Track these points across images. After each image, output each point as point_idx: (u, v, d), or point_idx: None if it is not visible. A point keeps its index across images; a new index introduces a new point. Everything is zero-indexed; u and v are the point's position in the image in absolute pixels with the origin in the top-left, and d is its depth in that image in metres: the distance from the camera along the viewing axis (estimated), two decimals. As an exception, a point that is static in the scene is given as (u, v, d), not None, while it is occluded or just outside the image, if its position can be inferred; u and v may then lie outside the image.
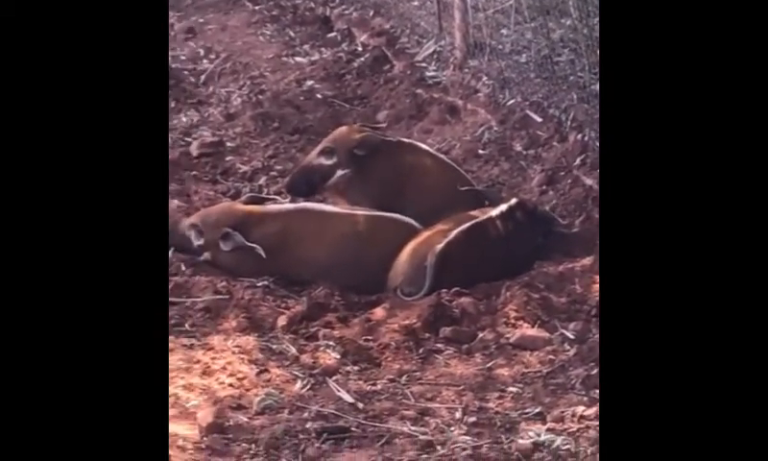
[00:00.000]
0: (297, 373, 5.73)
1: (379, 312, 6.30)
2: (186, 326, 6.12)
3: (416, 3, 10.74)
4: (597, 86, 8.23)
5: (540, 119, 8.13)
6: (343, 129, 7.64)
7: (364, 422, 5.29)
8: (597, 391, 5.44)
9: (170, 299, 6.19)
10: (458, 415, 5.36)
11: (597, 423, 5.19)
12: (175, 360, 5.58)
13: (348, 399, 5.48)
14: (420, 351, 5.95)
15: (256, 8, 11.62)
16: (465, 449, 5.05)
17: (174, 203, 7.31)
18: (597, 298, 6.18)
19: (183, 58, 10.49)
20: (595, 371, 5.62)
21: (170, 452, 4.84)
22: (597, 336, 5.90)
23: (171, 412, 5.05)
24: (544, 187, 7.44)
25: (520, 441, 5.11)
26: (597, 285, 6.28)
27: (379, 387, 5.63)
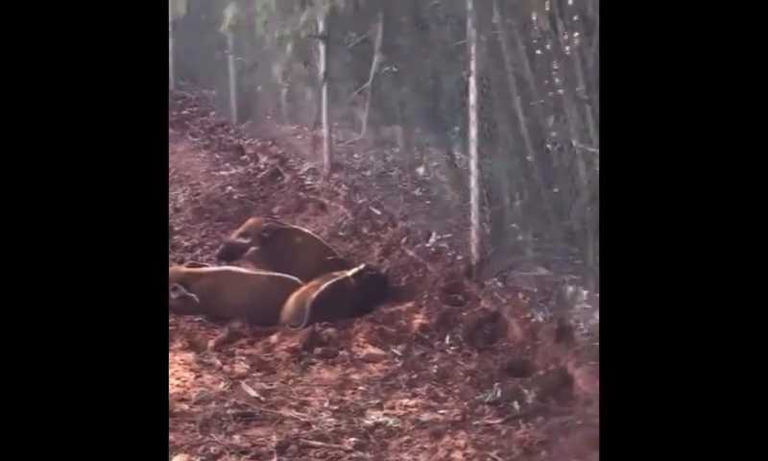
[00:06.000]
0: (220, 377, 5.70)
1: (274, 338, 6.27)
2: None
3: (299, 137, 10.78)
4: (418, 191, 8.33)
5: (379, 213, 8.16)
6: (252, 219, 7.73)
7: (264, 409, 5.27)
8: (418, 388, 5.48)
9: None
10: (326, 404, 5.35)
11: (416, 409, 5.23)
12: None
13: (254, 394, 5.46)
14: (301, 363, 5.92)
15: (195, 140, 11.57)
16: (330, 427, 5.06)
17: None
18: (416, 328, 6.22)
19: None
20: (416, 375, 5.66)
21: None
22: (416, 353, 5.95)
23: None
24: (382, 257, 7.46)
25: (366, 421, 5.12)
26: (416, 320, 6.32)
27: (274, 386, 5.59)
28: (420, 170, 8.72)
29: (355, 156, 9.58)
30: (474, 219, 6.77)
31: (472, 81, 6.60)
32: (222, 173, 10.29)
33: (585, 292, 6.12)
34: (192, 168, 10.41)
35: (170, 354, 5.87)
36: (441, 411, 5.22)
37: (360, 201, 8.49)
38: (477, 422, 5.08)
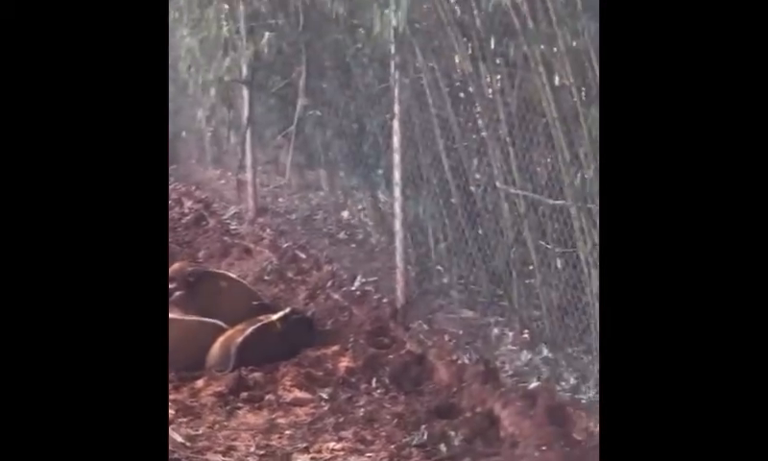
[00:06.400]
0: (145, 424, 5.63)
1: (200, 383, 6.20)
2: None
3: (223, 182, 10.76)
4: (343, 234, 8.34)
5: (304, 256, 8.15)
6: (177, 264, 7.67)
7: (190, 455, 5.21)
8: (344, 432, 5.46)
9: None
10: (252, 449, 5.30)
11: (343, 452, 5.20)
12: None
13: (180, 439, 5.39)
14: (227, 407, 5.86)
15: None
16: (257, 472, 5.04)
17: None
18: (342, 371, 6.20)
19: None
20: (342, 418, 5.64)
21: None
22: (343, 397, 5.92)
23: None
24: (307, 301, 7.44)
25: (293, 466, 5.10)
26: (342, 364, 6.31)
27: (200, 432, 5.53)
28: (345, 213, 8.74)
29: (280, 199, 9.59)
30: (399, 261, 6.79)
31: (396, 123, 6.64)
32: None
33: (510, 333, 6.15)
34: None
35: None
36: (368, 454, 5.20)
37: (285, 245, 8.47)
38: (405, 464, 5.07)
